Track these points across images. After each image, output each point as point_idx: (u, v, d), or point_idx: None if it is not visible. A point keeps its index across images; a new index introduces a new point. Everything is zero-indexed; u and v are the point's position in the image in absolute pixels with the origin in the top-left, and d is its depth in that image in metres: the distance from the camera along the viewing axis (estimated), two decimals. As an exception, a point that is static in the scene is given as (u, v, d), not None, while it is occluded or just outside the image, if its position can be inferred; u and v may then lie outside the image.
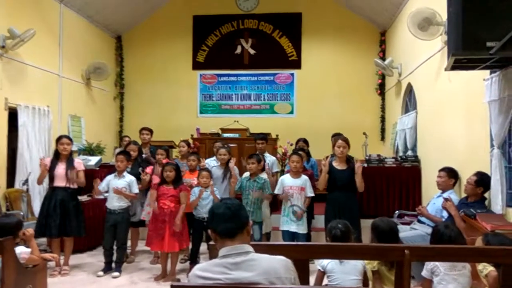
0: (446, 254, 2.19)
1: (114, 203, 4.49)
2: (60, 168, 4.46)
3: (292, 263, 1.70)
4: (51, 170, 4.48)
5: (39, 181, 4.63)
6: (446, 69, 3.42)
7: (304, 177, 4.53)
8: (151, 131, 6.02)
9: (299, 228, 4.40)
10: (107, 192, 4.62)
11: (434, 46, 5.19)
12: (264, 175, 4.79)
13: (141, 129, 6.02)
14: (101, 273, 4.43)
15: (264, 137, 5.80)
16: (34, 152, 5.92)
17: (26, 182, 5.50)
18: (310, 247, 2.38)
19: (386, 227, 2.64)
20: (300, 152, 4.88)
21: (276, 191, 4.59)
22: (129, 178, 4.58)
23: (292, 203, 4.44)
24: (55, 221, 4.36)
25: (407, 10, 6.34)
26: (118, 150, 7.11)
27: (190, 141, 7.25)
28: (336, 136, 5.89)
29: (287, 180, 4.53)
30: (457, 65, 3.25)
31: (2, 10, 5.51)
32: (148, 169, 5.09)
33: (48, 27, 6.61)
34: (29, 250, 2.83)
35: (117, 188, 4.47)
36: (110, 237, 4.48)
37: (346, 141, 4.44)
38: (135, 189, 4.58)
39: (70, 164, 4.48)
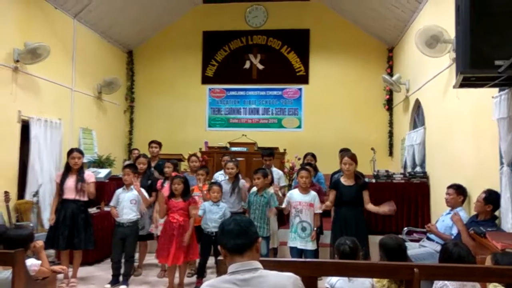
0: (456, 273, 2.18)
1: (123, 216, 4.52)
2: (70, 181, 4.51)
3: (300, 280, 1.70)
4: (61, 183, 4.53)
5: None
6: (454, 87, 3.42)
7: (313, 193, 4.52)
8: (159, 144, 6.08)
9: (308, 244, 4.37)
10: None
11: (442, 63, 5.21)
12: (271, 190, 4.81)
13: (150, 142, 6.09)
14: (108, 285, 4.44)
15: (271, 153, 5.82)
16: (45, 164, 6.00)
17: (36, 193, 5.57)
18: (319, 264, 2.38)
19: (395, 245, 2.63)
20: (308, 167, 4.90)
21: (283, 205, 4.59)
22: (136, 191, 4.61)
23: (301, 219, 4.42)
24: (63, 234, 4.39)
25: (415, 27, 6.39)
26: (127, 162, 7.19)
27: (199, 154, 7.33)
28: (344, 152, 5.90)
29: (295, 195, 4.52)
30: (466, 83, 3.26)
31: (16, 25, 5.67)
32: (158, 184, 5.12)
33: (62, 42, 6.77)
34: (39, 262, 2.86)
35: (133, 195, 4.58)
36: (118, 250, 4.50)
37: (352, 157, 4.42)
38: (146, 196, 4.63)
39: (80, 177, 4.54)
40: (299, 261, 2.45)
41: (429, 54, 5.09)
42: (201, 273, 4.55)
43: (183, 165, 7.29)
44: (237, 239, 1.69)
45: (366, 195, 4.42)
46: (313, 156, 6.02)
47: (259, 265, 1.68)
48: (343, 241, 2.71)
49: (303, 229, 4.40)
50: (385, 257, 2.63)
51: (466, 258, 2.39)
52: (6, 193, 5.21)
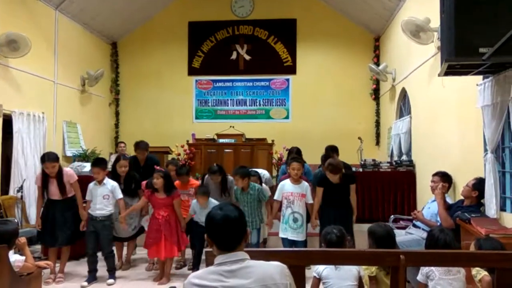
0: (441, 259, 2.21)
1: (96, 210, 4.42)
2: (53, 186, 4.41)
3: (287, 268, 1.70)
4: (44, 185, 4.43)
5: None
6: (439, 75, 3.44)
7: (305, 184, 4.52)
8: (146, 148, 5.72)
9: (298, 235, 4.39)
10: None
11: (427, 51, 5.24)
12: (257, 184, 4.75)
13: (136, 144, 5.73)
14: (85, 283, 4.31)
15: (246, 173, 5.35)
16: (29, 159, 5.90)
17: (20, 189, 5.46)
18: (307, 253, 2.39)
19: (384, 232, 2.65)
20: (300, 159, 4.88)
21: (275, 197, 4.57)
22: (110, 184, 4.50)
23: (293, 210, 4.41)
24: (54, 232, 4.35)
25: (401, 16, 6.41)
26: (113, 156, 7.06)
27: (186, 146, 7.26)
28: (329, 150, 5.58)
29: (287, 186, 4.50)
30: (450, 70, 3.28)
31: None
32: (143, 185, 4.95)
33: (44, 34, 6.61)
34: (23, 258, 2.82)
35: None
36: (91, 243, 4.41)
37: (334, 171, 4.29)
38: (119, 195, 4.51)
39: (61, 181, 4.43)
40: (286, 251, 2.45)
41: (417, 40, 5.09)
42: (196, 264, 4.54)
43: (171, 157, 7.18)
44: (225, 232, 1.67)
45: (352, 189, 4.46)
46: (298, 151, 5.81)
47: (245, 255, 1.67)
48: (330, 230, 2.72)
49: (295, 220, 4.40)
50: (374, 245, 2.65)
51: (451, 244, 2.43)
52: (-11, 188, 5.11)
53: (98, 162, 4.58)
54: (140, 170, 5.21)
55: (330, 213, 4.29)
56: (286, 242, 4.42)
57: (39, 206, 4.49)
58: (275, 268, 1.66)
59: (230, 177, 4.83)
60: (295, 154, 5.63)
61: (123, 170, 4.77)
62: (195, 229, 4.62)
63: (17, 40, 5.49)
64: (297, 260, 2.23)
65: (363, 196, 5.80)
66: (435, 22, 4.67)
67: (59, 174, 4.42)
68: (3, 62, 5.59)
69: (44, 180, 4.41)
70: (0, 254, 2.48)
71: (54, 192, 4.40)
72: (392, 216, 5.33)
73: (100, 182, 4.48)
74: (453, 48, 2.96)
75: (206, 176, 4.96)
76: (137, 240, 5.21)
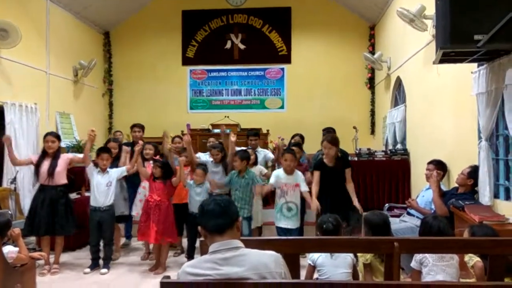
0: (434, 246, 2.22)
1: (99, 200, 4.45)
2: (45, 165, 4.41)
3: (282, 257, 1.70)
4: (37, 166, 4.43)
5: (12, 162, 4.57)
6: (434, 63, 3.44)
7: (297, 173, 4.51)
8: (142, 127, 5.96)
9: (292, 223, 4.39)
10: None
11: (422, 39, 5.22)
12: (254, 169, 4.82)
13: (132, 125, 5.96)
14: (88, 270, 4.40)
15: (256, 133, 5.83)
16: (22, 150, 5.84)
17: (14, 180, 5.42)
18: (301, 241, 2.40)
19: (380, 220, 2.66)
20: (294, 148, 4.90)
21: (270, 182, 4.53)
22: (112, 171, 4.59)
23: (286, 200, 4.41)
24: (43, 220, 4.30)
25: (396, 4, 6.36)
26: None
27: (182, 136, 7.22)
28: (326, 131, 5.92)
29: (281, 176, 4.49)
30: (445, 58, 3.27)
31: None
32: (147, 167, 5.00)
33: (35, 24, 6.50)
34: (16, 249, 2.80)
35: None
36: (96, 234, 4.46)
37: (332, 141, 4.35)
38: (122, 168, 4.62)
39: (54, 162, 4.43)
40: (281, 239, 2.45)
41: (413, 26, 5.04)
42: (191, 255, 4.56)
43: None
44: (218, 219, 1.67)
45: (348, 173, 4.44)
46: (301, 137, 6.01)
47: (240, 243, 1.67)
48: (326, 219, 2.72)
49: (289, 209, 4.39)
50: (370, 233, 2.65)
51: (445, 231, 2.44)
52: (-18, 180, 5.06)
53: (107, 149, 4.66)
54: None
55: (326, 199, 4.28)
56: (281, 230, 4.44)
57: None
58: (270, 257, 1.66)
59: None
60: (299, 137, 5.90)
61: (113, 152, 4.85)
62: (189, 219, 4.66)
63: (7, 29, 5.40)
64: (291, 248, 2.24)
65: (358, 185, 5.79)
66: (430, 10, 4.65)
67: (56, 155, 4.43)
68: (-7, 52, 5.50)
69: (39, 162, 4.39)
70: (-7, 245, 2.46)
71: (44, 172, 4.36)
72: (387, 204, 5.36)
73: (104, 170, 4.50)
74: (448, 35, 2.95)
75: (199, 154, 5.21)
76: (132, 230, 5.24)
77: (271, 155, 5.74)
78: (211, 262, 1.61)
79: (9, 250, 2.72)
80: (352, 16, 8.52)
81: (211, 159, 5.00)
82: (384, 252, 2.22)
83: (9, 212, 5.13)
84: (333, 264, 2.62)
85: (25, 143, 5.97)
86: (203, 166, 4.73)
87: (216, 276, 1.57)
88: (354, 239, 2.30)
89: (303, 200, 4.52)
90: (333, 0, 8.55)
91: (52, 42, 6.93)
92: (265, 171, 5.22)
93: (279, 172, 4.56)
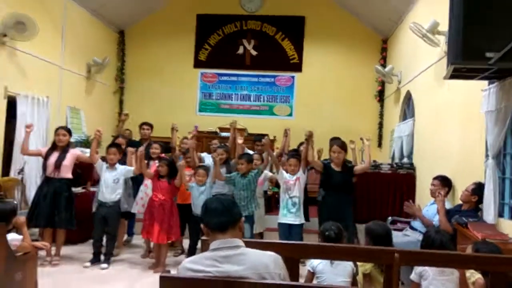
0: (435, 259, 2.21)
1: (106, 195, 4.50)
2: (53, 158, 4.48)
3: (281, 259, 1.71)
4: (45, 159, 4.50)
5: (22, 150, 4.65)
6: (445, 78, 3.44)
7: (299, 171, 4.60)
8: (151, 126, 6.01)
9: (296, 219, 4.44)
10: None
11: (434, 55, 5.22)
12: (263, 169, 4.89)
13: (142, 124, 6.02)
14: (88, 264, 4.42)
15: (261, 138, 5.83)
16: (32, 142, 5.87)
17: (21, 171, 5.49)
18: (302, 246, 2.40)
19: (381, 231, 2.65)
20: (297, 156, 4.92)
21: (277, 174, 4.67)
22: (120, 168, 4.62)
23: (290, 195, 4.50)
24: (44, 211, 4.36)
25: (410, 19, 6.38)
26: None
27: (189, 136, 7.27)
28: (333, 140, 5.93)
29: (284, 175, 4.60)
30: (456, 74, 3.27)
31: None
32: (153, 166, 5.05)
33: (52, 19, 6.61)
34: (20, 237, 2.83)
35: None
36: (99, 228, 4.51)
37: (341, 146, 4.49)
38: (129, 168, 4.64)
39: (62, 155, 4.50)
40: (282, 243, 2.46)
41: (426, 41, 5.05)
42: (192, 255, 4.57)
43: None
44: (220, 217, 1.69)
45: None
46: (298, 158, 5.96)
47: (241, 243, 1.68)
48: (329, 227, 2.73)
49: (293, 204, 4.48)
50: (371, 243, 2.65)
51: (447, 245, 2.43)
52: (-10, 169, 5.14)
53: (116, 144, 4.71)
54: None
55: (331, 199, 4.39)
56: (284, 226, 4.46)
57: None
58: (269, 258, 1.67)
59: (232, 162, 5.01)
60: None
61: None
62: (192, 219, 4.68)
63: (24, 22, 5.49)
64: (292, 252, 2.24)
65: (361, 197, 5.79)
66: (444, 26, 4.66)
67: (65, 149, 4.49)
68: (10, 44, 5.60)
69: (48, 154, 4.45)
70: (-2, 231, 2.50)
71: (51, 165, 4.42)
72: (390, 217, 5.32)
73: (112, 166, 4.55)
74: (460, 51, 2.95)
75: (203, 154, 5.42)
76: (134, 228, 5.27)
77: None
78: (211, 259, 1.63)
79: (13, 237, 2.76)
80: (365, 29, 8.56)
81: (210, 162, 5.06)
82: (384, 262, 2.21)
83: (15, 201, 5.20)
84: (333, 272, 2.61)
85: (34, 135, 6.02)
86: (204, 166, 4.77)
87: (216, 274, 1.59)
88: (355, 248, 2.30)
89: (305, 207, 4.56)
90: (347, 12, 8.60)
91: (68, 37, 7.04)
92: (269, 174, 5.23)
93: (283, 172, 4.65)
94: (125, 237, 5.51)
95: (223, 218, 1.69)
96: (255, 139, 5.81)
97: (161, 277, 1.59)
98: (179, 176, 4.51)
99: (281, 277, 1.64)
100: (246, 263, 1.61)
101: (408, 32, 5.71)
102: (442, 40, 4.85)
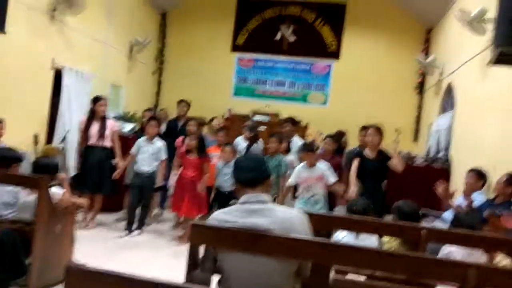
0: (464, 240, 2.18)
1: (142, 167, 4.68)
2: (95, 128, 4.70)
3: (307, 218, 1.74)
4: (86, 129, 4.72)
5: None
6: (489, 63, 3.32)
7: (319, 166, 4.33)
8: (188, 104, 6.16)
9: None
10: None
11: (479, 45, 5.02)
12: (288, 157, 4.85)
13: (179, 101, 6.16)
14: (124, 233, 4.62)
15: (289, 119, 5.78)
16: (74, 113, 6.19)
17: (64, 139, 5.79)
18: (329, 217, 2.43)
19: (410, 209, 2.62)
20: (327, 140, 4.90)
21: (289, 182, 4.42)
22: (159, 143, 4.76)
23: (313, 192, 4.28)
24: (93, 179, 4.60)
25: (456, 8, 6.14)
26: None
27: (222, 120, 7.40)
28: (365, 128, 5.78)
29: (302, 172, 4.33)
30: (502, 58, 3.15)
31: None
32: (177, 141, 5.22)
33: (99, -3, 6.87)
34: (62, 191, 3.02)
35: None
36: (135, 197, 4.69)
37: (377, 129, 4.34)
38: (164, 155, 4.76)
39: (104, 124, 4.71)
40: (308, 213, 2.48)
41: (471, 30, 4.85)
42: None
43: (205, 129, 7.35)
44: (250, 172, 1.75)
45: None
46: (341, 135, 5.87)
47: (268, 198, 1.73)
48: (356, 202, 2.73)
49: (316, 202, 4.25)
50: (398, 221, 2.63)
51: (477, 228, 2.37)
52: (36, 136, 5.45)
53: (155, 118, 4.95)
54: (177, 132, 5.45)
55: (365, 185, 4.20)
56: None
57: (80, 151, 4.76)
58: (296, 215, 1.72)
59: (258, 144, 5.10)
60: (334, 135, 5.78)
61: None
62: (219, 196, 4.77)
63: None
64: (321, 224, 2.27)
65: (393, 189, 5.69)
66: (492, 13, 4.46)
67: (104, 119, 4.70)
68: (59, 18, 5.87)
69: (88, 124, 4.68)
70: (41, 183, 2.68)
71: (94, 134, 4.65)
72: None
73: (151, 138, 4.72)
74: (507, 34, 2.84)
75: (237, 139, 5.45)
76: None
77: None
78: (240, 211, 1.70)
79: (56, 191, 2.94)
80: (409, 18, 8.30)
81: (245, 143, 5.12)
82: (410, 238, 2.20)
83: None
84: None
85: (77, 107, 6.32)
86: (231, 144, 4.84)
87: (243, 225, 1.65)
88: (382, 222, 2.30)
89: (330, 195, 4.41)
90: (391, 1, 8.37)
91: (113, 16, 7.28)
92: (295, 163, 5.11)
93: (298, 168, 4.41)
94: (156, 210, 5.71)
95: (253, 174, 1.74)
96: (282, 120, 5.80)
97: (192, 225, 1.67)
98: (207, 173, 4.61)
99: (306, 234, 1.68)
100: (272, 216, 1.66)
101: (453, 22, 5.52)
102: (489, 28, 4.65)
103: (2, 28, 3.33)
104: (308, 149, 4.40)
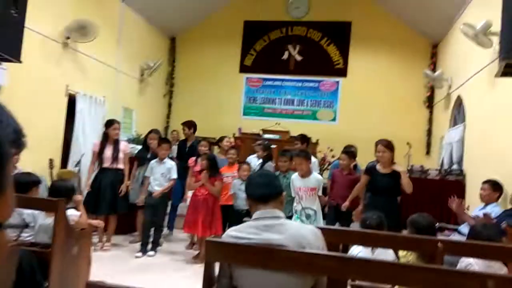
0: (482, 252, 2.15)
1: (155, 187, 4.74)
2: (108, 151, 4.80)
3: (321, 232, 1.75)
4: (100, 153, 4.82)
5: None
6: (496, 76, 3.34)
7: (313, 177, 4.27)
8: (190, 125, 6.19)
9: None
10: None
11: (486, 57, 5.04)
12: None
13: (182, 123, 6.28)
14: (139, 254, 4.64)
15: (301, 137, 5.79)
16: (88, 137, 6.32)
17: (78, 163, 5.89)
18: (345, 232, 2.42)
19: (426, 223, 2.60)
20: (341, 155, 4.91)
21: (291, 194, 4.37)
22: (169, 163, 4.85)
23: (303, 206, 4.17)
24: (106, 200, 4.67)
25: (461, 22, 6.19)
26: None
27: (232, 139, 7.47)
28: (379, 141, 5.78)
29: (296, 181, 4.29)
30: (508, 70, 3.17)
31: (69, 3, 5.98)
32: (190, 161, 5.31)
33: (109, 24, 7.08)
34: (78, 213, 3.07)
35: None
36: (149, 215, 4.75)
37: (387, 145, 4.34)
38: (174, 175, 4.82)
39: (117, 147, 4.81)
40: (324, 228, 2.48)
41: (477, 43, 4.89)
42: None
43: (215, 149, 7.42)
44: (262, 188, 1.77)
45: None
46: (350, 152, 5.84)
47: (281, 214, 1.75)
48: (370, 216, 2.71)
49: (307, 216, 4.16)
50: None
51: (495, 239, 2.34)
52: (51, 160, 5.56)
53: (167, 140, 5.12)
54: (185, 153, 5.51)
55: (377, 200, 4.18)
56: None
57: (91, 171, 4.85)
58: (310, 230, 1.73)
59: (269, 163, 5.11)
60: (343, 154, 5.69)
61: (150, 142, 5.28)
62: (233, 215, 4.78)
63: (86, 26, 5.94)
64: (335, 238, 2.27)
65: (407, 203, 5.64)
66: (497, 26, 4.49)
67: (117, 141, 4.80)
68: (72, 46, 6.07)
69: (102, 147, 4.78)
70: (59, 206, 2.73)
71: (108, 157, 4.74)
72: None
73: (162, 160, 4.81)
74: (513, 45, 2.87)
75: (249, 157, 5.48)
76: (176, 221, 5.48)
77: (315, 167, 5.69)
78: (253, 228, 1.71)
79: (72, 213, 2.99)
80: (414, 34, 8.37)
81: (257, 162, 5.16)
82: (427, 251, 2.18)
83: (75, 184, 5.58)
84: (373, 263, 2.59)
85: (91, 131, 6.46)
86: (247, 162, 4.90)
87: (257, 241, 1.66)
88: (397, 235, 2.28)
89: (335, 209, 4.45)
90: (395, 16, 8.47)
91: (123, 42, 7.50)
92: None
93: (293, 178, 4.36)
94: (165, 230, 5.70)
95: (265, 189, 1.77)
96: (293, 137, 5.83)
97: (207, 241, 1.69)
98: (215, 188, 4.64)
99: (320, 249, 1.68)
100: (286, 232, 1.67)
101: (459, 36, 5.56)
102: (495, 41, 4.67)
103: (18, 58, 3.46)
104: (302, 154, 4.31)
